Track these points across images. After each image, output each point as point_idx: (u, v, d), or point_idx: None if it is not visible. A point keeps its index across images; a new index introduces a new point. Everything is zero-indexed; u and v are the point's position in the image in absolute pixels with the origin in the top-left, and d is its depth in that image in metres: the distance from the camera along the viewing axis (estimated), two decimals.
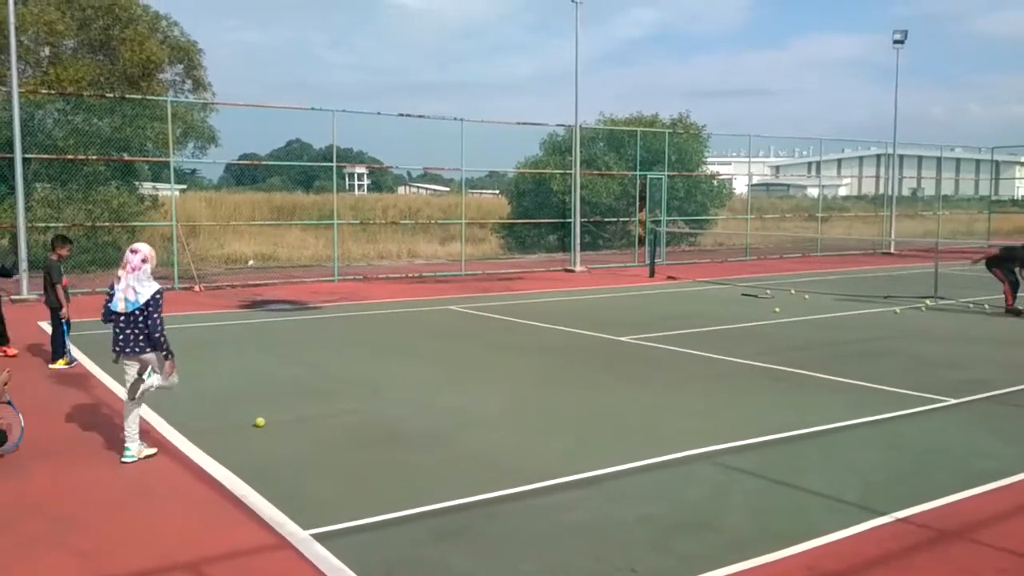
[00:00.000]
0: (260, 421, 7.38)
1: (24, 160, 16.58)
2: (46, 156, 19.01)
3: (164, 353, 6.52)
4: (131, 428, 6.46)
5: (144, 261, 6.43)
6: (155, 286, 6.46)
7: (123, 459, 6.43)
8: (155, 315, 6.40)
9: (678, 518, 5.37)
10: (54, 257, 10.04)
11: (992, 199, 43.42)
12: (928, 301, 15.97)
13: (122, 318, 6.40)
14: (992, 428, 7.49)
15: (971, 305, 15.59)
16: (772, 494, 5.85)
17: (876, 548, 4.93)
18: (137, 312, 6.37)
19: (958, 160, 59.22)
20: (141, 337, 6.42)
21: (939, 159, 39.00)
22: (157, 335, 6.41)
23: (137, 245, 6.58)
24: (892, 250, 30.55)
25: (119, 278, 6.42)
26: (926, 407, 8.19)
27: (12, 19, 16.02)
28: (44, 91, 19.57)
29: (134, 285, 6.36)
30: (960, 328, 13.16)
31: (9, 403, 6.71)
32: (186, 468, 6.38)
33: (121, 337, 6.43)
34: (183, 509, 5.59)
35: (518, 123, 25.54)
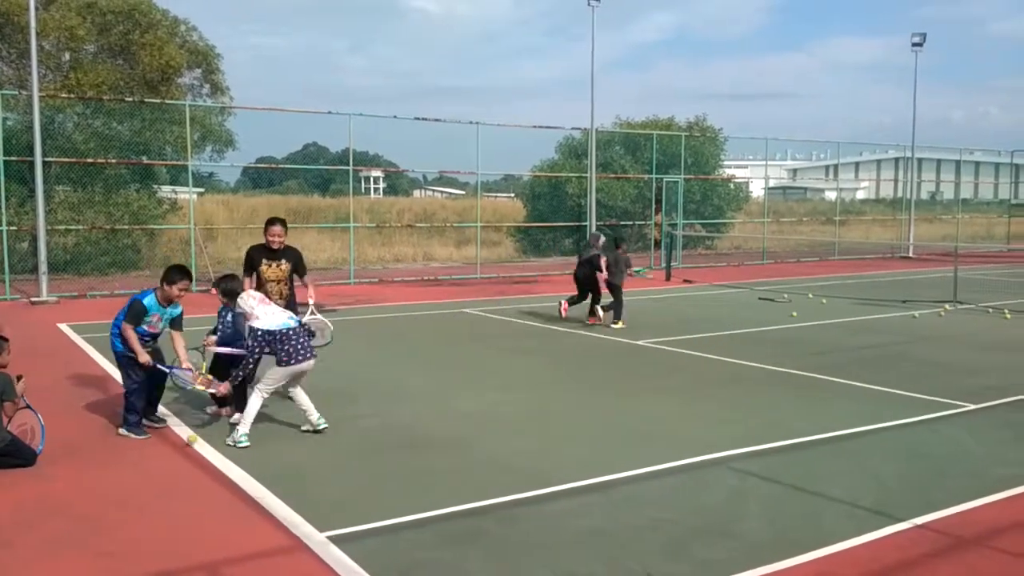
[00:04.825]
0: (193, 437, 7.11)
1: (45, 163, 16.73)
2: (66, 160, 19.21)
3: None
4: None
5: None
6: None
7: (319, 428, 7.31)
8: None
9: (694, 524, 5.37)
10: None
11: (1012, 203, 42.99)
12: (947, 306, 15.85)
13: (295, 331, 7.21)
14: (1012, 435, 7.43)
15: (991, 310, 15.47)
16: (788, 500, 5.83)
17: (893, 555, 4.91)
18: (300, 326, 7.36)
19: (977, 164, 58.81)
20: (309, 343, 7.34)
21: (958, 162, 38.68)
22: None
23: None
24: (910, 254, 30.34)
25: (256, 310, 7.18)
26: (944, 412, 8.13)
27: (33, 24, 16.18)
28: (64, 95, 19.78)
29: (276, 312, 7.30)
30: (980, 333, 13.05)
31: (28, 407, 6.78)
32: (205, 470, 6.44)
33: (302, 347, 7.22)
34: (202, 511, 5.64)
35: (534, 126, 25.64)
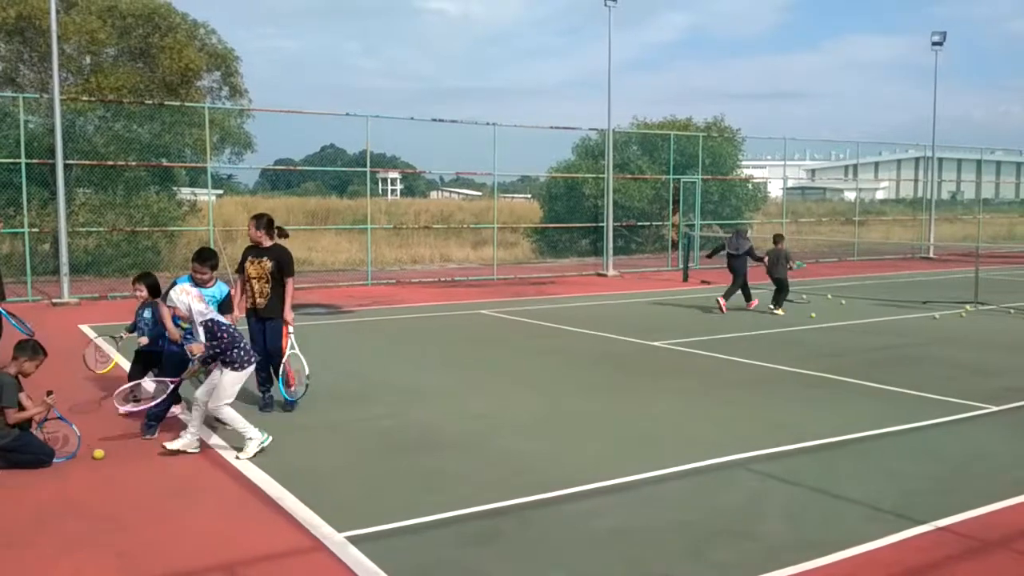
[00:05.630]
0: (99, 453, 6.70)
1: (66, 166, 16.88)
2: (87, 162, 19.39)
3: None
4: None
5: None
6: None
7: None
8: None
9: (713, 525, 5.33)
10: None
11: None
12: (968, 306, 15.69)
13: (236, 329, 6.98)
14: None
15: (1012, 311, 15.30)
16: (808, 502, 5.78)
17: (916, 557, 4.86)
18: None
19: (998, 163, 58.16)
20: None
21: (979, 162, 38.30)
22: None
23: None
24: (931, 254, 30.07)
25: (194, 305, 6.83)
26: (966, 414, 8.05)
27: (55, 28, 16.33)
28: (85, 99, 19.95)
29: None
30: (1002, 334, 12.91)
31: (60, 418, 6.85)
32: (223, 470, 6.47)
33: (248, 346, 7.00)
34: (220, 510, 5.66)
35: (551, 127, 25.57)
